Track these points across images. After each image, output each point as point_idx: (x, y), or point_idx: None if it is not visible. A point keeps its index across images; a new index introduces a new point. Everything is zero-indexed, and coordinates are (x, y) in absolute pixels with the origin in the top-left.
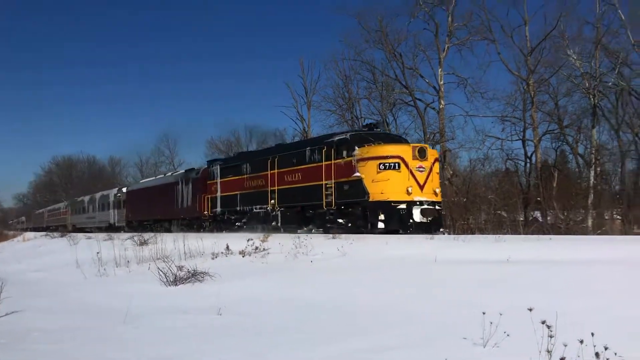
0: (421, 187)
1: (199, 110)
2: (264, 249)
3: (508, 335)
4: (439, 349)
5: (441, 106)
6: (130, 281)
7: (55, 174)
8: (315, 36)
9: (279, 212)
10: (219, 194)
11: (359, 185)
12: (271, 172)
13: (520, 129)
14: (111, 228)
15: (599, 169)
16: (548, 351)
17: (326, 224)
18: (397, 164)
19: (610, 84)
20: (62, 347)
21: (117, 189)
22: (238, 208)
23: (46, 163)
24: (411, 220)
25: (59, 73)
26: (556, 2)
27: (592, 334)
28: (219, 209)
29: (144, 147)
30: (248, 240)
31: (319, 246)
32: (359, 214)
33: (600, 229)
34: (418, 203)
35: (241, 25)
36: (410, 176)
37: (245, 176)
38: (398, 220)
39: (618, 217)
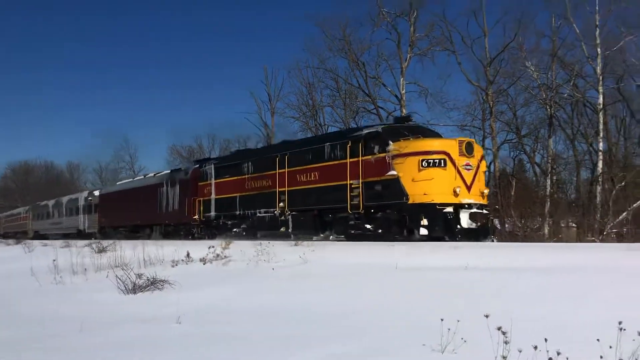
0: (468, 188)
1: (160, 117)
2: (225, 256)
3: (465, 341)
4: (399, 355)
5: (403, 115)
6: (87, 289)
7: (10, 179)
8: (279, 44)
9: (289, 217)
10: (213, 196)
11: (394, 185)
12: (280, 171)
13: (480, 138)
14: (80, 235)
15: (555, 177)
16: (503, 357)
17: (349, 230)
18: (442, 161)
19: (565, 95)
20: (15, 358)
21: (87, 192)
22: (237, 212)
23: (1, 168)
24: (458, 226)
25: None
26: (514, 15)
27: (546, 340)
28: (213, 213)
29: (103, 153)
30: (209, 248)
31: (282, 253)
32: (393, 218)
33: (556, 236)
34: (466, 206)
35: (204, 31)
36: (457, 175)
37: (246, 176)
38: (443, 225)
39: (573, 225)
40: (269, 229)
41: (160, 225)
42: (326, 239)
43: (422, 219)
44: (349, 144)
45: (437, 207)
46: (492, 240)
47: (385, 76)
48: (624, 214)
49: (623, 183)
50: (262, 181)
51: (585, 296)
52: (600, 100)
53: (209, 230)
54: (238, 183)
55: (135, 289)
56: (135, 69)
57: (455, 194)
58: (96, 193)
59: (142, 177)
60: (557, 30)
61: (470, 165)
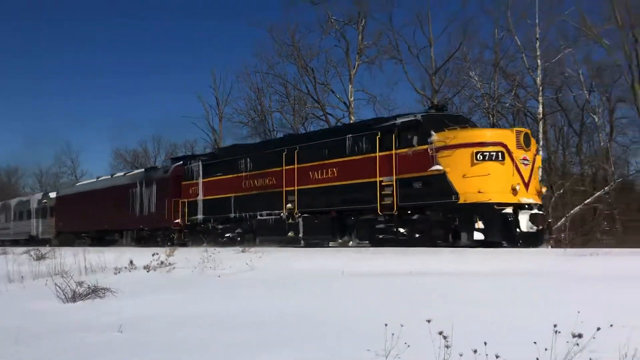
0: (526, 186)
1: (104, 121)
2: (169, 263)
3: (409, 346)
4: None
5: (351, 122)
6: (24, 298)
7: None
8: (228, 48)
9: (300, 220)
10: (200, 197)
11: (440, 182)
12: (288, 167)
13: None
14: (33, 241)
15: None
16: None
17: (376, 235)
18: (500, 154)
19: (507, 104)
20: None
21: (41, 193)
22: (232, 215)
23: None
24: (517, 230)
25: None
26: (459, 26)
27: (485, 343)
28: (200, 216)
29: (44, 157)
30: (153, 255)
31: (228, 260)
32: (436, 220)
33: None
34: (526, 206)
35: (152, 35)
36: (515, 170)
37: (243, 174)
38: (501, 228)
39: None
40: (273, 234)
41: (133, 230)
42: (344, 245)
43: (476, 222)
44: (379, 136)
45: (495, 207)
46: (549, 247)
47: (334, 83)
48: (562, 220)
49: (562, 190)
50: (264, 179)
51: (526, 300)
52: (540, 109)
53: (194, 235)
54: (233, 182)
55: (75, 297)
56: (78, 74)
57: (514, 192)
58: (52, 195)
59: (109, 177)
60: (500, 41)
61: (527, 160)
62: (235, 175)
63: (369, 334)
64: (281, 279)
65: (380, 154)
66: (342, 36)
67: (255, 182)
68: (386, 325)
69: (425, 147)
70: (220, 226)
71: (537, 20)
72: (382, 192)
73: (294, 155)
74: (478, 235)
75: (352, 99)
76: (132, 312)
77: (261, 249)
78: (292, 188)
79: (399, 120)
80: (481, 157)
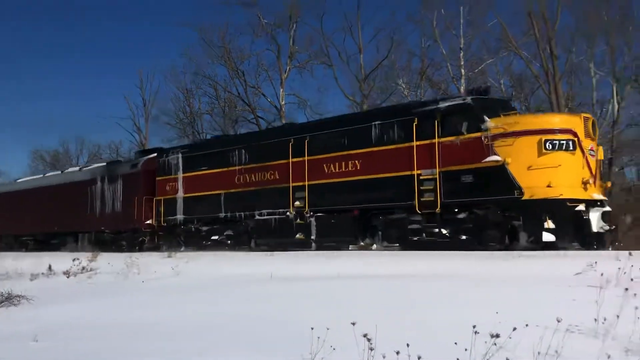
0: (594, 180)
1: (22, 120)
2: (91, 269)
3: (334, 349)
4: None
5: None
6: None
7: None
8: (156, 49)
9: (312, 219)
10: (180, 194)
11: (499, 175)
12: (295, 160)
13: None
14: None
15: None
16: None
17: (409, 237)
18: (570, 143)
19: None
20: None
21: None
22: (222, 214)
23: None
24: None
25: None
26: (388, 34)
27: (408, 345)
28: (180, 216)
29: None
30: (74, 260)
31: (154, 265)
32: (491, 219)
33: None
34: (598, 203)
35: (76, 34)
36: (585, 162)
37: (237, 168)
38: (573, 228)
39: None
40: (277, 236)
41: (93, 232)
42: (366, 248)
43: (545, 221)
44: (416, 122)
45: (568, 204)
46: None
47: (265, 86)
48: None
49: None
50: (265, 174)
51: (449, 301)
52: None
53: (171, 238)
54: (223, 177)
55: None
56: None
57: (585, 187)
58: None
59: (60, 172)
60: (427, 50)
61: (593, 151)
62: (227, 169)
63: (294, 338)
64: (205, 284)
65: (418, 143)
66: (274, 40)
67: (253, 176)
68: (312, 328)
69: (477, 134)
70: (204, 227)
71: (461, 32)
72: (421, 187)
73: (304, 146)
74: (548, 237)
75: (283, 103)
76: (48, 320)
77: (188, 255)
78: (301, 183)
79: (442, 104)
80: (551, 146)
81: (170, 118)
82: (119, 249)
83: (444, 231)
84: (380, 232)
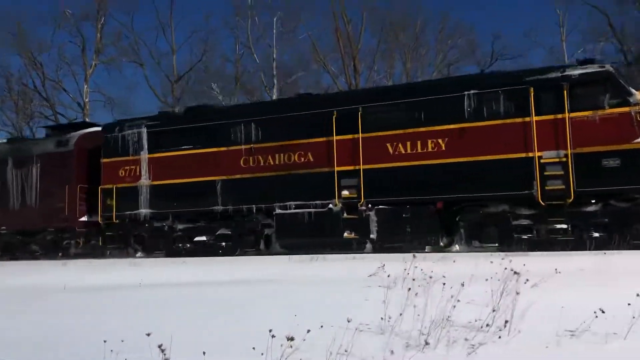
0: None
1: None
2: None
3: None
4: None
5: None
6: None
7: None
8: None
9: (371, 214)
10: (145, 181)
11: None
12: (340, 137)
13: None
14: None
15: None
16: None
17: (511, 234)
18: None
19: None
20: None
21: None
22: (218, 207)
23: None
24: None
25: None
26: (202, 37)
27: (204, 353)
28: (144, 210)
29: None
30: None
31: None
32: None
33: None
34: None
35: None
36: None
37: (242, 147)
38: None
39: None
40: (311, 235)
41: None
42: (447, 248)
43: None
44: (532, 92)
45: None
46: None
47: (67, 81)
48: None
49: None
50: (289, 155)
51: (251, 307)
52: None
53: (123, 240)
54: (220, 158)
55: None
56: None
57: None
58: None
59: None
60: (241, 57)
61: None
62: (226, 148)
63: (89, 352)
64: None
65: (538, 118)
66: (79, 32)
67: (270, 159)
68: (105, 341)
69: (625, 109)
70: (181, 226)
71: (274, 42)
72: (544, 172)
73: (356, 119)
74: None
75: (87, 100)
76: None
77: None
78: (350, 167)
79: (573, 71)
80: None
81: None
82: (29, 255)
83: (564, 227)
84: (462, 230)
